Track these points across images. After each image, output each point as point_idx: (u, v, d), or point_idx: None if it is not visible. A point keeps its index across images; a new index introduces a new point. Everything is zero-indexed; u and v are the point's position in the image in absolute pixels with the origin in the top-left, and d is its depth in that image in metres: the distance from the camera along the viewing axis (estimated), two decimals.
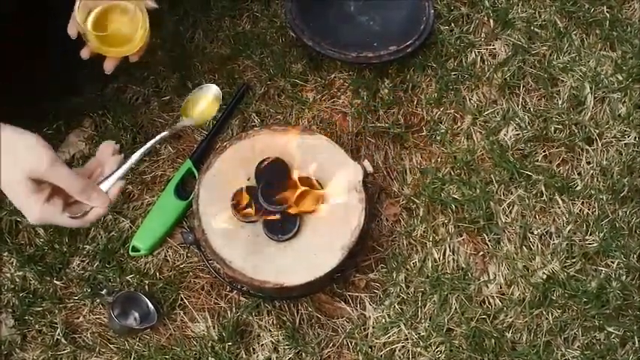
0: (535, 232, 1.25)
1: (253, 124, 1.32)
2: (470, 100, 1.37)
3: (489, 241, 1.24)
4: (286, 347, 1.16)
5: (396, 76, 1.38)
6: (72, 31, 1.00)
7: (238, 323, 1.17)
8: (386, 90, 1.36)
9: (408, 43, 1.34)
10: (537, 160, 1.31)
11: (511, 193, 1.28)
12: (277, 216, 1.09)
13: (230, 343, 1.15)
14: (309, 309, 1.18)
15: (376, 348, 1.17)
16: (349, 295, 1.20)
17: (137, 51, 1.01)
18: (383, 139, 1.33)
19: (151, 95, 1.34)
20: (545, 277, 1.21)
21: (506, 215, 1.26)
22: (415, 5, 1.40)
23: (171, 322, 1.17)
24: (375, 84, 1.37)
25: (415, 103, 1.36)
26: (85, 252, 1.21)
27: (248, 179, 1.13)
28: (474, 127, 1.34)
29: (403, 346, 1.17)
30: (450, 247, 1.24)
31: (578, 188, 1.29)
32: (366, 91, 1.36)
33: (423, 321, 1.18)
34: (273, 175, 1.11)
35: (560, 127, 1.34)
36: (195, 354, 1.15)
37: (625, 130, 1.35)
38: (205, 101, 1.01)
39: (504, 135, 1.33)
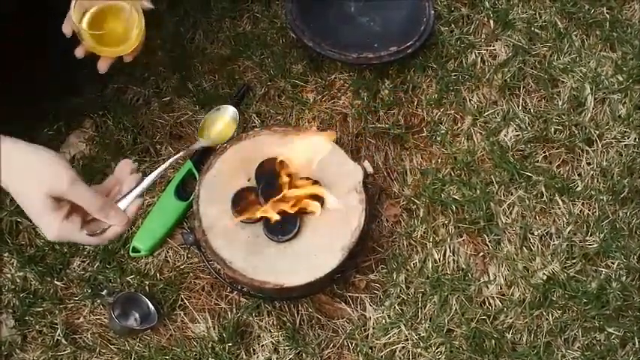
0: (535, 233, 1.25)
1: (254, 124, 1.33)
2: (470, 100, 1.37)
3: (489, 241, 1.24)
4: (286, 348, 1.16)
5: (396, 76, 1.38)
6: (67, 29, 1.00)
7: (239, 324, 1.17)
8: (386, 91, 1.37)
9: (408, 44, 1.35)
10: (537, 161, 1.31)
11: (511, 194, 1.28)
12: (277, 217, 1.09)
13: (230, 344, 1.15)
14: (310, 310, 1.18)
15: (376, 349, 1.17)
16: (349, 295, 1.20)
17: (131, 51, 1.01)
18: (383, 140, 1.33)
19: (152, 96, 1.34)
20: (545, 277, 1.21)
21: (507, 216, 1.26)
22: (415, 6, 1.40)
23: (171, 323, 1.17)
24: (375, 85, 1.37)
25: (415, 103, 1.36)
26: (85, 252, 1.21)
27: (248, 180, 1.13)
28: (474, 128, 1.34)
29: (403, 347, 1.17)
30: (450, 247, 1.24)
31: (579, 189, 1.29)
32: (367, 91, 1.36)
33: (423, 322, 1.18)
34: (274, 176, 1.11)
35: (560, 128, 1.34)
36: (196, 355, 1.15)
37: (625, 131, 1.35)
38: (222, 122, 1.01)
39: (504, 136, 1.33)
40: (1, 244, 1.21)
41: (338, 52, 1.33)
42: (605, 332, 1.18)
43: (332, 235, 1.09)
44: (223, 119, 1.01)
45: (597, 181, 1.30)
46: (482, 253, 1.24)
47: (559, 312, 1.19)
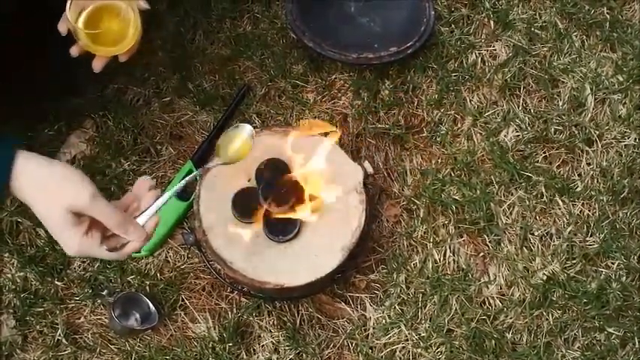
0: (535, 233, 1.25)
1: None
2: (470, 101, 1.37)
3: (490, 242, 1.24)
4: (287, 348, 1.16)
5: (396, 77, 1.38)
6: (62, 28, 0.99)
7: (239, 324, 1.17)
8: (386, 91, 1.37)
9: (408, 44, 1.34)
10: (537, 162, 1.31)
11: (511, 194, 1.28)
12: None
13: (231, 344, 1.15)
14: (310, 310, 1.18)
15: (376, 349, 1.17)
16: (350, 295, 1.20)
17: (127, 51, 1.01)
18: (383, 140, 1.33)
19: (152, 96, 1.34)
20: (545, 278, 1.21)
21: (507, 216, 1.26)
22: (416, 6, 1.40)
23: (172, 323, 1.18)
24: (375, 85, 1.37)
25: (416, 104, 1.36)
26: None
27: (249, 180, 1.13)
28: (475, 129, 1.34)
29: (403, 347, 1.17)
30: (450, 248, 1.24)
31: (579, 189, 1.29)
32: (367, 92, 1.36)
33: (423, 322, 1.18)
34: (274, 176, 1.11)
35: (560, 128, 1.34)
36: (196, 355, 1.15)
37: (625, 132, 1.35)
38: (240, 140, 1.00)
39: (505, 136, 1.33)
40: (1, 244, 1.21)
41: (338, 52, 1.33)
42: (605, 332, 1.18)
43: (332, 235, 1.09)
44: (241, 137, 1.00)
45: (597, 181, 1.30)
46: (482, 254, 1.24)
47: (559, 312, 1.19)
